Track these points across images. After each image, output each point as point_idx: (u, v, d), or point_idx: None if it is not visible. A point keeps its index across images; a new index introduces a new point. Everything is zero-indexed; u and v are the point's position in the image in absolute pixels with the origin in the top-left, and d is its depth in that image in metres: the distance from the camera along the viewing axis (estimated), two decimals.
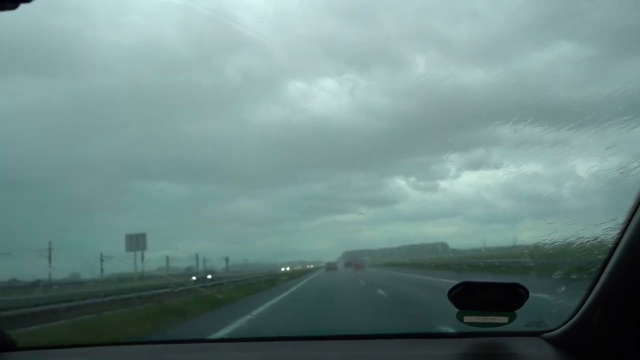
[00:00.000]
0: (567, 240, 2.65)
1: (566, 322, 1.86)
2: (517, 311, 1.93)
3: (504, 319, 1.94)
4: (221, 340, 3.20)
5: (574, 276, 2.29)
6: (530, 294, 1.87)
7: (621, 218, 1.68)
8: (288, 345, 2.52)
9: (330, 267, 42.92)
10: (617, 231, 1.55)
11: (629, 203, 1.58)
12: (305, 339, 2.65)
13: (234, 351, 2.49)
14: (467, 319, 1.96)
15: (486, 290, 1.93)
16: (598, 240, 2.10)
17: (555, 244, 2.71)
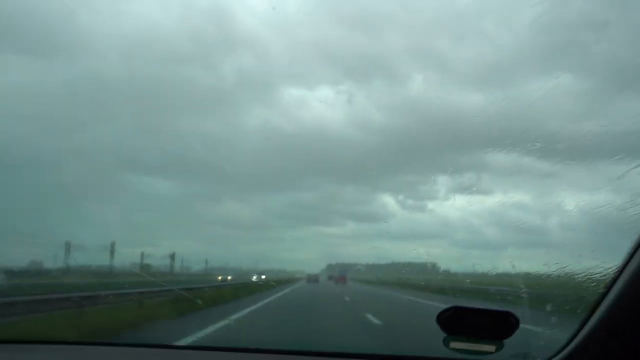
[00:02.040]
0: (558, 273, 2.68)
1: (554, 356, 1.82)
2: (505, 341, 1.90)
3: (491, 348, 1.91)
4: (193, 347, 3.12)
5: (566, 308, 2.29)
6: (521, 324, 1.85)
7: (612, 255, 1.69)
8: (262, 357, 2.46)
9: (312, 279, 41.89)
10: (609, 268, 1.56)
11: (624, 241, 1.60)
12: (283, 352, 2.57)
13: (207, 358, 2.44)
14: (453, 344, 1.93)
15: (476, 317, 1.91)
16: (588, 275, 2.11)
17: (550, 275, 2.73)
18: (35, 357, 2.34)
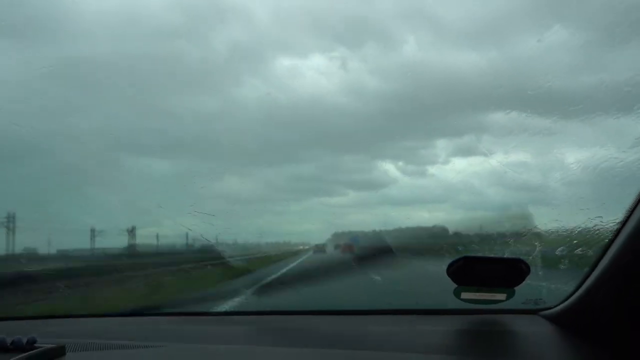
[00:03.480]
0: (563, 229, 2.73)
1: (564, 300, 1.88)
2: (516, 290, 1.94)
3: (502, 296, 1.95)
4: (221, 313, 3.27)
5: (576, 254, 2.33)
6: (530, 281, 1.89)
7: (615, 208, 1.75)
8: (276, 319, 2.57)
9: (319, 249, 41.72)
10: (615, 219, 1.62)
11: (626, 193, 1.65)
12: (300, 313, 2.69)
13: (233, 324, 2.55)
14: (464, 295, 1.97)
15: (487, 265, 1.92)
16: (593, 228, 2.16)
17: (556, 231, 2.79)
18: (84, 327, 2.48)
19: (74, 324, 2.59)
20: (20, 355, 1.51)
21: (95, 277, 10.10)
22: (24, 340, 1.61)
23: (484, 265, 1.92)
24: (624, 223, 1.53)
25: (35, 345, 1.62)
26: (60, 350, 1.68)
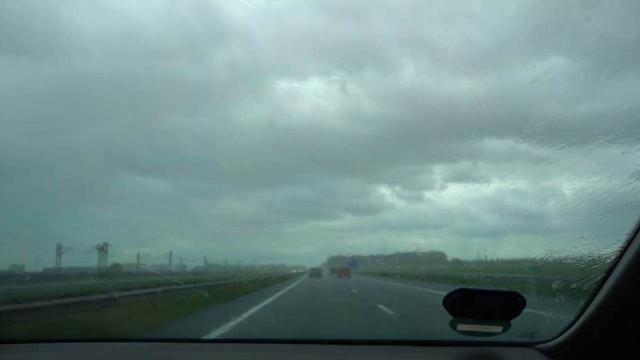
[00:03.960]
0: (560, 258, 2.72)
1: (561, 334, 1.87)
2: (512, 322, 1.93)
3: (498, 329, 1.94)
4: (214, 340, 3.22)
5: (572, 286, 2.32)
6: (527, 309, 1.87)
7: (612, 238, 1.73)
8: (279, 348, 2.54)
9: (314, 273, 41.00)
10: (613, 250, 1.60)
11: (623, 223, 1.63)
12: (297, 342, 2.67)
13: (226, 352, 2.51)
14: (460, 327, 1.95)
15: (483, 298, 1.92)
16: (590, 259, 2.15)
17: (552, 260, 2.78)
18: (67, 354, 2.41)
19: (68, 349, 2.55)
20: None
21: (83, 297, 9.94)
22: None
23: (480, 297, 1.92)
24: (622, 253, 1.52)
25: None
26: None
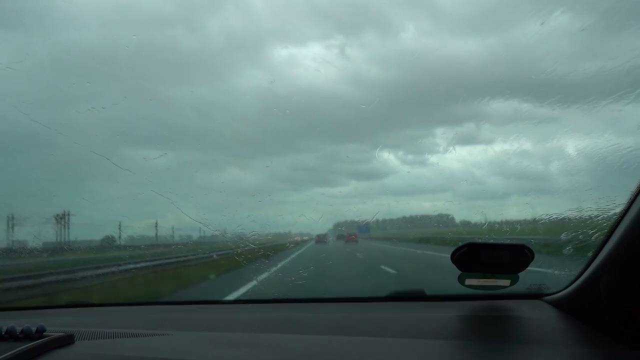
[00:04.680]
0: (566, 217, 2.75)
1: (568, 285, 1.90)
2: (520, 274, 1.95)
3: (506, 282, 1.97)
4: (224, 302, 3.30)
5: (580, 238, 2.34)
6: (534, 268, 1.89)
7: (618, 194, 1.75)
8: (284, 307, 2.62)
9: (320, 239, 40.77)
10: (618, 204, 1.63)
11: (627, 179, 1.66)
12: (301, 301, 2.72)
13: (235, 312, 2.59)
14: (468, 281, 1.99)
15: (491, 252, 1.93)
16: (595, 216, 2.18)
17: (558, 219, 2.81)
18: (91, 318, 2.48)
19: (81, 314, 2.63)
20: (29, 344, 1.55)
21: (99, 268, 10.18)
22: (33, 329, 1.65)
23: (487, 251, 1.93)
24: (627, 208, 1.54)
25: (45, 334, 1.65)
26: (69, 339, 1.71)
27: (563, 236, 2.52)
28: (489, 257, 1.92)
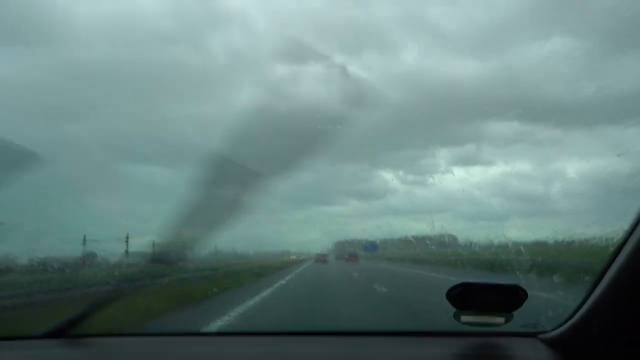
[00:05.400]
0: (565, 241, 2.69)
1: (563, 324, 1.89)
2: (514, 312, 1.96)
3: (501, 320, 1.98)
4: (216, 334, 3.24)
5: (573, 276, 2.33)
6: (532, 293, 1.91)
7: (617, 220, 1.70)
8: (282, 340, 2.57)
9: (320, 259, 40.27)
10: (616, 230, 1.58)
11: (628, 206, 1.60)
12: (300, 334, 2.69)
13: (223, 345, 2.53)
14: (464, 318, 2.00)
15: (485, 292, 1.96)
16: (594, 242, 2.14)
17: (557, 243, 2.76)
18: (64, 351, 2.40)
19: (73, 344, 2.53)
20: None
21: (86, 289, 9.87)
22: None
23: (482, 291, 1.96)
24: (624, 241, 1.51)
25: None
26: None
27: (556, 277, 2.51)
28: (484, 296, 1.95)
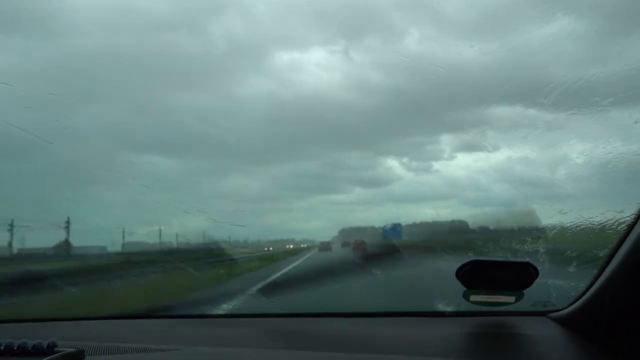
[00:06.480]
0: (572, 226, 2.72)
1: (573, 302, 1.90)
2: (525, 290, 1.96)
3: (511, 299, 1.98)
4: (228, 315, 3.30)
5: (585, 254, 2.33)
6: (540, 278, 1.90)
7: (625, 204, 1.72)
8: (291, 321, 2.62)
9: (324, 247, 39.87)
10: (625, 215, 1.60)
11: (635, 188, 1.63)
12: (309, 315, 2.73)
13: (239, 327, 2.58)
14: (473, 298, 2.00)
15: (495, 269, 1.95)
16: (602, 226, 2.15)
17: (564, 228, 2.78)
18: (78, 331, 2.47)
19: (90, 327, 2.65)
20: None
21: (100, 276, 10.14)
22: (45, 345, 1.68)
23: (492, 269, 1.95)
24: (635, 221, 1.51)
25: (56, 349, 1.68)
26: (80, 355, 1.74)
27: (569, 252, 2.50)
28: (494, 274, 1.93)
